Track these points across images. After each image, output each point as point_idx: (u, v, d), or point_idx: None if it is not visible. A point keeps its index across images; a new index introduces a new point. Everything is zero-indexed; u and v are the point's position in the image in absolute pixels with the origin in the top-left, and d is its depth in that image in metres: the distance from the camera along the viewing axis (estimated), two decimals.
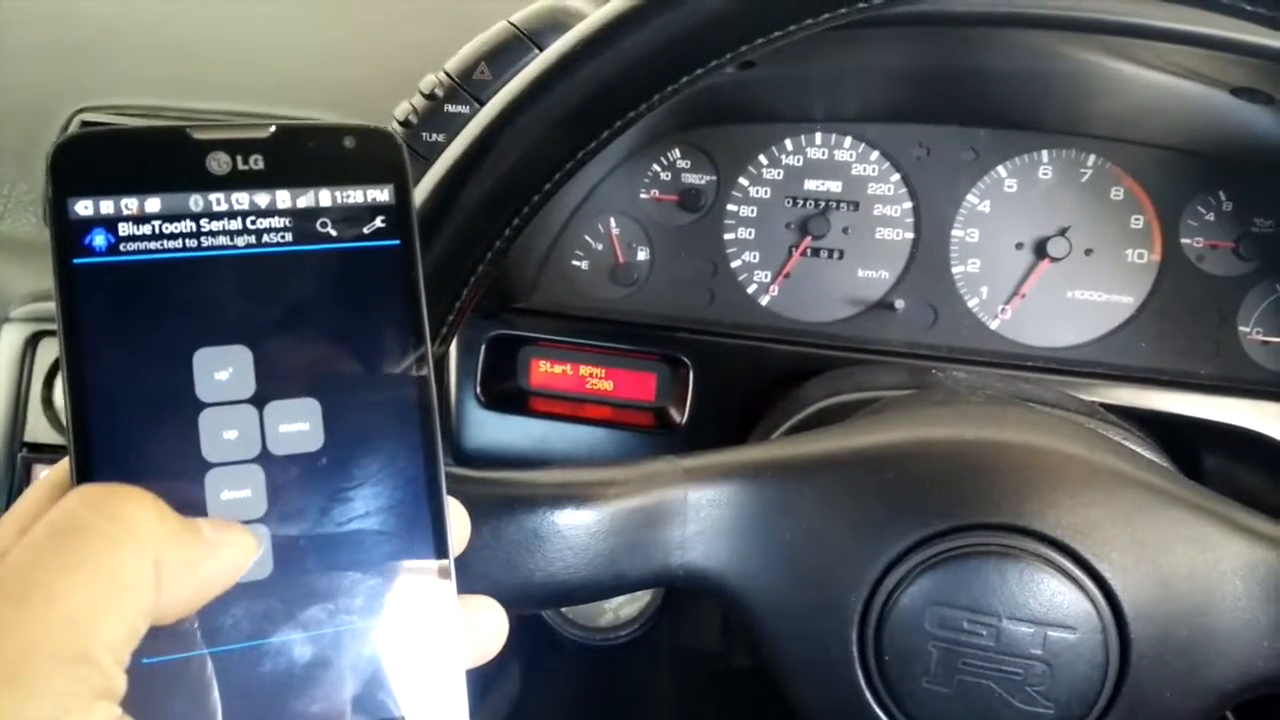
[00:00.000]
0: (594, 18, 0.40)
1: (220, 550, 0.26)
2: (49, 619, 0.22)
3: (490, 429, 0.74)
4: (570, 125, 0.41)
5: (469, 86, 0.61)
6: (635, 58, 0.39)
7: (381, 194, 0.29)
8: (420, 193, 0.41)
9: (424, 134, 0.61)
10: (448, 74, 0.62)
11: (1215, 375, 0.70)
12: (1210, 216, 0.70)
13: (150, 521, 0.24)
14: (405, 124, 0.62)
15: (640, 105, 0.40)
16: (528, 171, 0.41)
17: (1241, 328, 0.71)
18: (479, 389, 0.74)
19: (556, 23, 0.60)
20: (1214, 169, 0.70)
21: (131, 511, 0.24)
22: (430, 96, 0.62)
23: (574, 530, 0.40)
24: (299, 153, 0.29)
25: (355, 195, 0.29)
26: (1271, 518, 0.42)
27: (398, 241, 0.30)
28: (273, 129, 0.28)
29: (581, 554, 0.40)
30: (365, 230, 0.29)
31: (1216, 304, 0.71)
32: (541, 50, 0.58)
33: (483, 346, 0.74)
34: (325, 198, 0.29)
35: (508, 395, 0.75)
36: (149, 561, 0.24)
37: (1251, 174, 0.69)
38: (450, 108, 0.61)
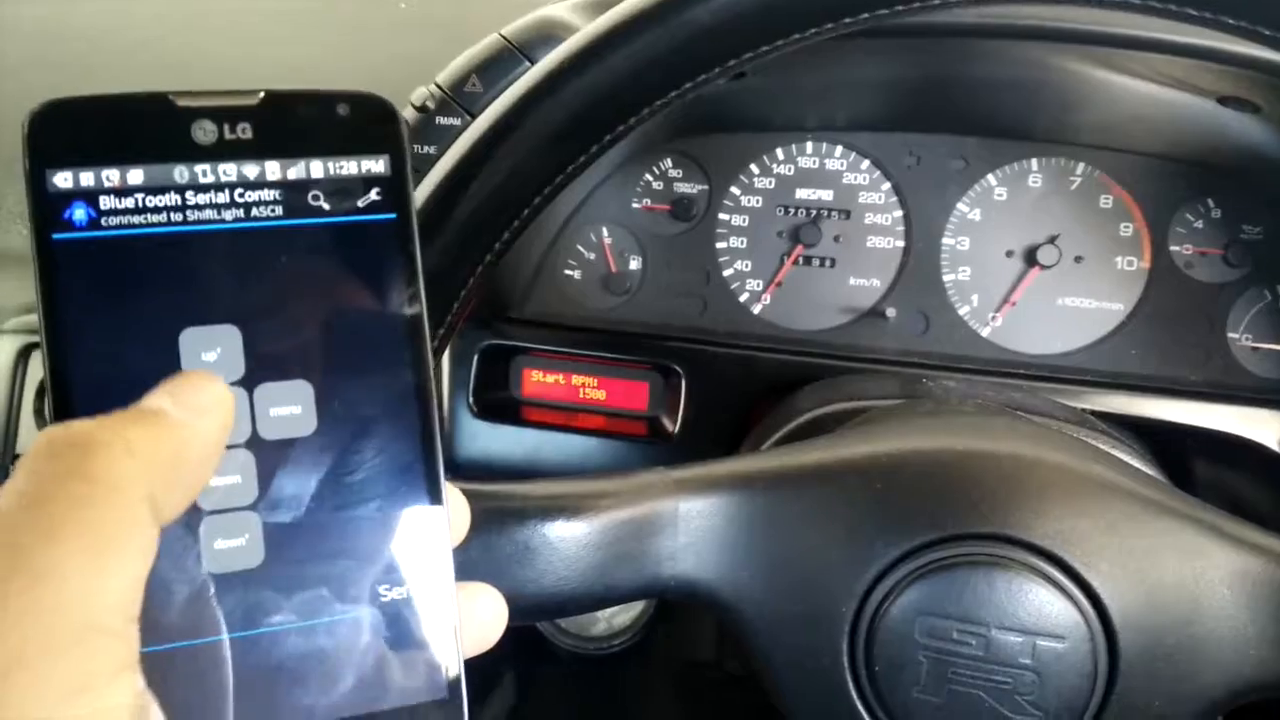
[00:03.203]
0: (584, 33, 0.40)
1: (199, 426, 0.24)
2: (50, 597, 0.21)
3: (483, 439, 0.74)
4: (560, 140, 0.41)
5: (460, 99, 0.61)
6: (624, 73, 0.39)
7: (377, 165, 0.28)
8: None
9: (416, 146, 0.62)
10: (439, 86, 0.62)
11: (1205, 382, 0.71)
12: (1199, 224, 0.71)
13: (126, 462, 0.23)
14: None
15: (629, 120, 0.40)
16: (519, 186, 0.41)
17: (1231, 334, 0.71)
18: (471, 399, 0.74)
19: (547, 36, 0.61)
20: (1202, 177, 0.70)
21: (103, 465, 0.22)
22: (422, 109, 0.62)
23: (565, 542, 0.40)
24: (290, 121, 0.27)
25: (349, 166, 0.28)
26: (1259, 526, 0.42)
27: (394, 215, 0.28)
28: (261, 95, 0.27)
29: (573, 566, 0.40)
30: (360, 203, 0.28)
31: (1206, 311, 0.71)
32: (532, 63, 0.59)
33: (475, 356, 0.74)
34: (317, 169, 0.27)
35: (500, 405, 0.75)
36: (141, 501, 0.23)
37: (1239, 181, 0.70)
38: (442, 120, 0.61)
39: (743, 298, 0.77)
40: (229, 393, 0.25)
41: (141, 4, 0.83)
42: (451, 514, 0.29)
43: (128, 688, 0.22)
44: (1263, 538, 0.41)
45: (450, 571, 0.29)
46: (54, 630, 0.21)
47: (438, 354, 0.44)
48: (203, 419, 0.25)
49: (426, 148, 0.61)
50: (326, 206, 0.28)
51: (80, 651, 0.21)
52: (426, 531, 0.29)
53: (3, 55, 0.81)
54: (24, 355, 0.78)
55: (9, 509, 0.22)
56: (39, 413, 0.79)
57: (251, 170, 0.27)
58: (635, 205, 0.77)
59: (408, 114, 0.63)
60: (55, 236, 0.25)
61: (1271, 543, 0.41)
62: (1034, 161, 0.72)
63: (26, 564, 0.21)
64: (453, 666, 0.28)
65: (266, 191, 0.27)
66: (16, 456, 0.78)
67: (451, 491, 0.30)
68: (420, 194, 0.42)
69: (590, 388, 0.75)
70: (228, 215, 0.27)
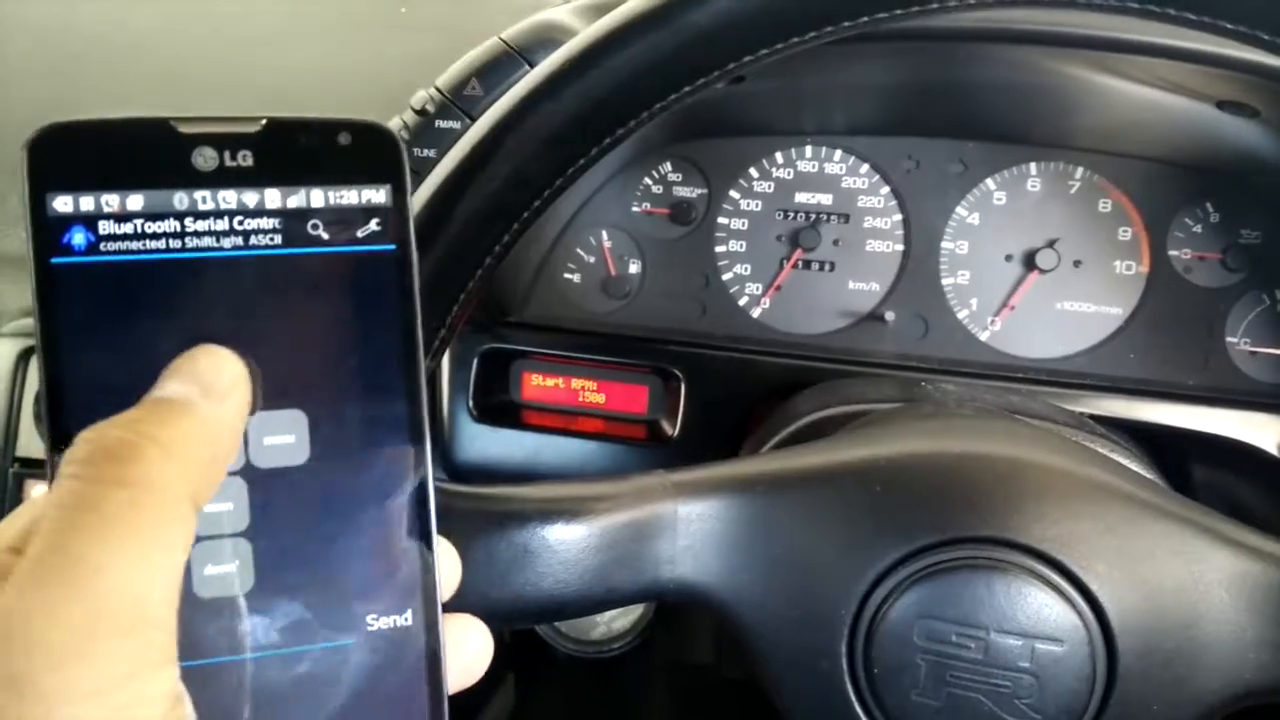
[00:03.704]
0: (583, 36, 0.40)
1: (224, 413, 0.25)
2: (101, 593, 0.22)
3: (482, 442, 0.74)
4: (560, 143, 0.41)
5: (460, 102, 0.61)
6: (623, 76, 0.39)
7: (377, 195, 0.28)
8: (411, 209, 0.41)
9: (415, 149, 0.62)
10: (439, 90, 0.62)
11: (1203, 386, 0.71)
12: (1198, 228, 0.71)
13: (164, 465, 0.23)
14: None
15: (629, 123, 0.40)
16: (518, 189, 0.41)
17: (1229, 338, 0.71)
18: (471, 402, 0.74)
19: (547, 39, 0.61)
20: (1201, 181, 0.71)
21: (142, 471, 0.23)
22: (421, 112, 0.62)
23: (564, 545, 0.40)
24: (290, 149, 0.27)
25: (349, 196, 0.28)
26: (1257, 530, 0.42)
27: (393, 246, 0.28)
28: (263, 123, 0.27)
29: (572, 569, 0.40)
30: (359, 233, 0.28)
31: (1204, 315, 0.71)
32: (532, 66, 0.59)
33: (475, 360, 0.74)
34: (317, 198, 0.27)
35: (500, 408, 0.75)
36: (185, 500, 0.24)
37: (1238, 186, 0.70)
38: (441, 123, 0.61)
39: (742, 301, 0.77)
40: (243, 365, 0.26)
41: (141, 6, 0.83)
42: (441, 553, 0.30)
43: (170, 677, 0.23)
44: (1261, 541, 0.41)
45: (438, 602, 0.29)
46: (107, 622, 0.22)
47: (437, 356, 0.44)
48: (226, 403, 0.25)
49: (426, 151, 0.61)
50: (325, 236, 0.27)
51: (131, 641, 0.22)
52: (415, 562, 0.29)
53: (3, 57, 0.81)
54: (24, 358, 0.78)
55: (58, 515, 0.22)
56: (39, 416, 0.78)
57: (251, 198, 0.27)
58: (635, 209, 0.77)
59: (407, 116, 0.63)
60: (54, 260, 0.25)
61: (1270, 546, 0.41)
62: (1033, 165, 0.73)
63: (79, 561, 0.22)
64: (438, 694, 0.29)
65: (266, 220, 0.27)
66: (17, 459, 0.78)
67: (440, 543, 0.30)
68: (420, 197, 0.42)
69: (590, 391, 0.75)
70: (226, 243, 0.27)
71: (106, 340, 0.26)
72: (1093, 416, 0.63)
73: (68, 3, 0.83)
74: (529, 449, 0.75)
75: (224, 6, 0.82)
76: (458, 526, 0.39)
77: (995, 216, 0.73)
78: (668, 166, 0.77)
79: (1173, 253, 0.71)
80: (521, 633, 0.84)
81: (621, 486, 0.42)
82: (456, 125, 0.61)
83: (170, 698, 0.23)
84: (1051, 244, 0.72)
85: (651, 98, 0.40)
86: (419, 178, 0.43)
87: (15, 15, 0.83)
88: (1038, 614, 0.39)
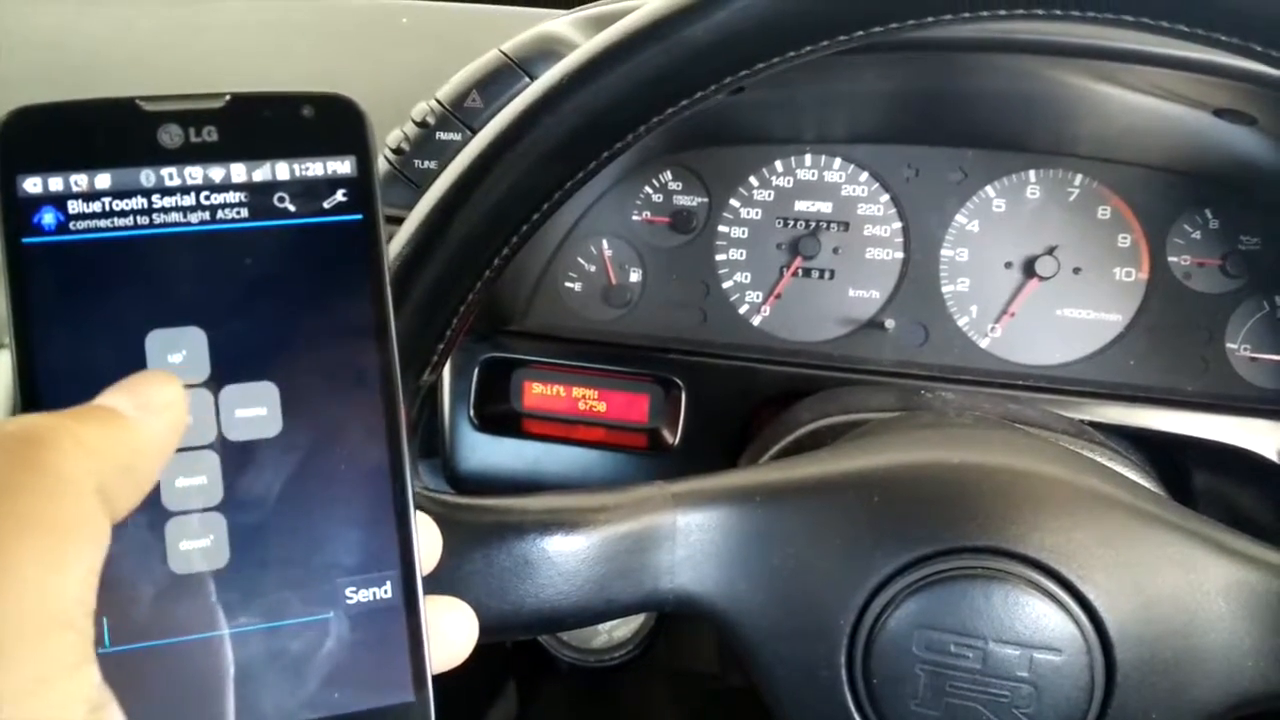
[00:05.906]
0: (583, 49, 0.40)
1: (151, 424, 0.25)
2: (8, 589, 0.21)
3: (483, 451, 0.75)
4: (559, 155, 0.41)
5: (460, 114, 0.62)
6: (624, 90, 0.39)
7: (342, 166, 0.28)
8: (412, 221, 0.42)
9: (416, 161, 0.62)
10: (439, 102, 0.63)
11: (1204, 392, 0.71)
12: (1197, 234, 0.71)
13: (76, 456, 0.23)
14: (397, 151, 0.63)
15: (628, 136, 0.41)
16: (518, 201, 0.42)
17: (1229, 345, 0.71)
18: (472, 412, 0.74)
19: (547, 51, 0.61)
20: (1200, 188, 0.71)
21: (54, 458, 0.22)
22: (422, 124, 0.62)
23: (564, 556, 0.40)
24: (255, 123, 0.27)
25: (314, 168, 0.28)
26: (1255, 539, 0.42)
27: (360, 216, 0.28)
28: (227, 99, 0.27)
29: (572, 580, 0.40)
30: (325, 205, 0.28)
31: (1204, 321, 0.71)
32: (532, 79, 0.59)
33: (476, 369, 0.74)
34: (283, 170, 0.28)
35: (501, 418, 0.75)
36: (92, 494, 0.23)
37: (1237, 192, 0.70)
38: (442, 135, 0.62)
39: (742, 309, 0.77)
40: (183, 392, 0.26)
41: (143, 17, 0.83)
42: (420, 524, 0.29)
43: (86, 682, 0.22)
44: (1259, 550, 0.41)
45: (418, 575, 0.29)
46: (11, 623, 0.21)
47: (438, 367, 0.44)
48: (155, 417, 0.25)
49: (427, 163, 0.62)
50: (292, 208, 0.28)
51: (39, 645, 0.21)
52: (392, 536, 0.28)
53: (6, 68, 0.81)
54: None
55: None
56: None
57: (217, 173, 0.27)
58: (635, 218, 0.78)
59: (408, 129, 0.63)
60: (25, 240, 0.26)
61: (1268, 555, 0.41)
62: (1032, 173, 0.73)
63: None
64: (420, 669, 0.28)
65: (232, 194, 0.27)
66: None
67: (420, 516, 0.29)
68: (421, 208, 0.42)
69: (591, 400, 0.75)
70: (194, 218, 0.27)
71: (78, 315, 0.26)
72: (1092, 423, 0.63)
73: (68, 15, 0.84)
74: (530, 458, 0.75)
75: (225, 17, 0.82)
76: (458, 537, 0.39)
77: (995, 224, 0.74)
78: (668, 175, 0.77)
79: (1172, 259, 0.72)
80: (523, 641, 0.84)
81: (621, 497, 0.42)
82: (457, 137, 0.61)
83: (88, 701, 0.22)
84: (1051, 251, 0.72)
85: (651, 111, 0.40)
86: (419, 190, 0.43)
87: (17, 27, 0.83)
88: (1036, 623, 0.40)
